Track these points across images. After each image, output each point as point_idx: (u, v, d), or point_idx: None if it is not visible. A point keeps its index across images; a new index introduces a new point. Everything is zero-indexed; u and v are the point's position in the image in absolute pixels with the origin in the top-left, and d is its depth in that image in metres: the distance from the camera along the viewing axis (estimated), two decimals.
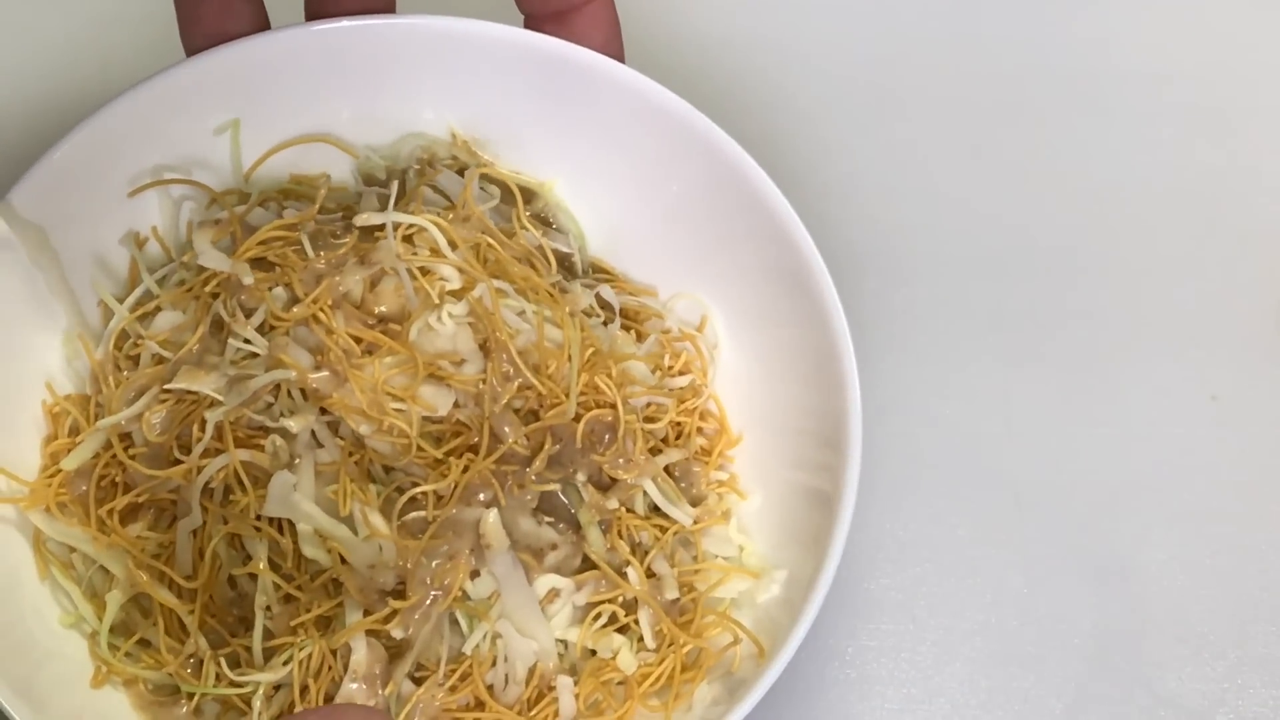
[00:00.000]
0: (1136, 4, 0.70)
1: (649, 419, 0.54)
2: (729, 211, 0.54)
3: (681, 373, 0.55)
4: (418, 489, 0.49)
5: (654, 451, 0.53)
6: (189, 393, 0.51)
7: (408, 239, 0.53)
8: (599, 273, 0.57)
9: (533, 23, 0.53)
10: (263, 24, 0.53)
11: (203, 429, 0.50)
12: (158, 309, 0.53)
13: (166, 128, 0.53)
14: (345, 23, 0.53)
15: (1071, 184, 0.65)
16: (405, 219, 0.53)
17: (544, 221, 0.57)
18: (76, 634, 0.51)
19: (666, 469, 0.53)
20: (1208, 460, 0.59)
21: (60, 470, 0.51)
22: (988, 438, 0.60)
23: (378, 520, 0.49)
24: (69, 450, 0.52)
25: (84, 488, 0.51)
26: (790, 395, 0.53)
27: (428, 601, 0.48)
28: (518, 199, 0.56)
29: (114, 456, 0.51)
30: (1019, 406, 0.60)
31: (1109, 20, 0.69)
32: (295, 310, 0.51)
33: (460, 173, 0.56)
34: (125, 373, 0.53)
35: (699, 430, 0.55)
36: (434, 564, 0.49)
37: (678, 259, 0.56)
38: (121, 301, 0.54)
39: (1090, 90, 0.68)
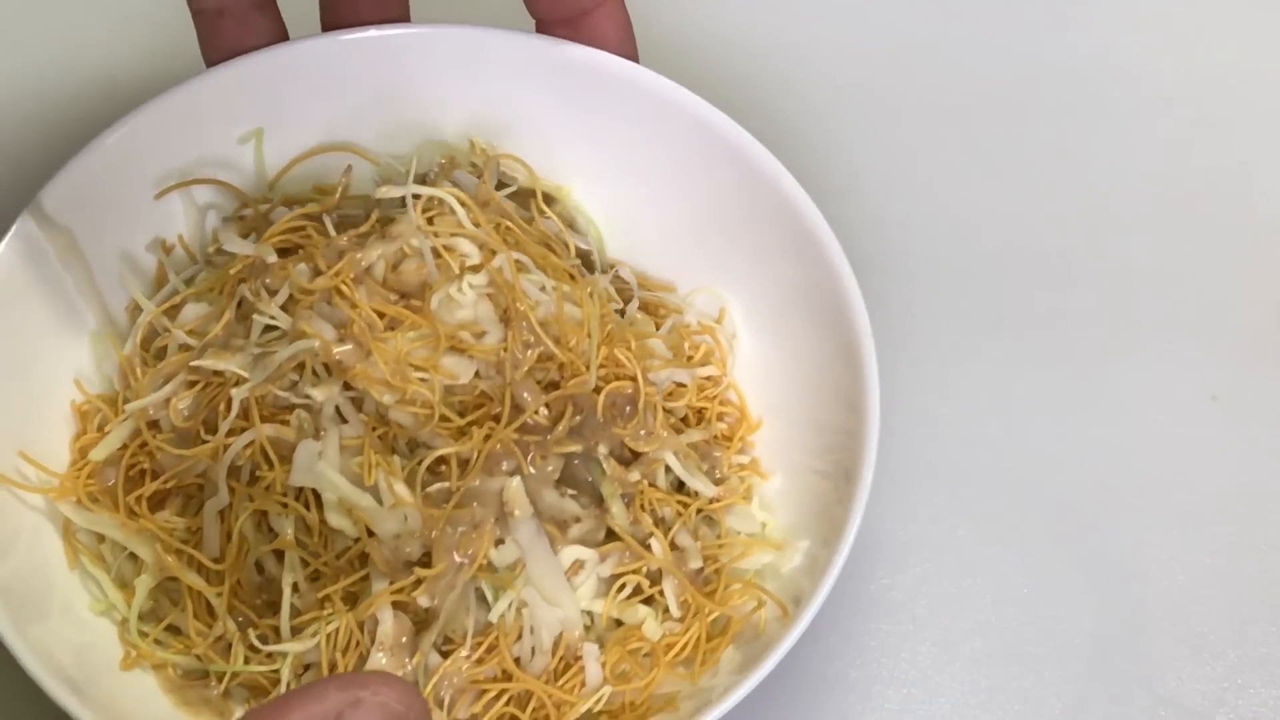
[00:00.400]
0: (1140, 5, 0.70)
1: (669, 397, 0.54)
2: (747, 207, 0.55)
3: (701, 363, 0.56)
4: (441, 450, 0.50)
5: (675, 431, 0.54)
6: (215, 376, 0.51)
7: (429, 222, 0.54)
8: (618, 282, 0.58)
9: (544, 27, 0.53)
10: (281, 37, 0.53)
11: (229, 408, 0.50)
12: (184, 301, 0.54)
13: (191, 136, 0.55)
14: (365, 33, 0.54)
15: (1072, 184, 0.66)
16: (425, 191, 0.53)
17: (563, 222, 0.58)
18: (107, 621, 0.51)
19: (689, 447, 0.54)
20: (1208, 460, 0.60)
21: (89, 462, 0.52)
22: (988, 438, 0.60)
23: (402, 489, 0.49)
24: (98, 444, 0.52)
25: (112, 479, 0.52)
26: (809, 379, 0.54)
27: (453, 570, 0.49)
28: (537, 191, 0.57)
29: (142, 446, 0.52)
30: (1019, 406, 0.60)
31: (1110, 21, 0.70)
32: (319, 281, 0.51)
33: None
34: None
35: (720, 417, 0.56)
36: (459, 531, 0.49)
37: (696, 257, 0.57)
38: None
39: (1090, 90, 0.68)
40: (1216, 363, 0.61)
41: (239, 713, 0.50)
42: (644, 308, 0.57)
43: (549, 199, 0.57)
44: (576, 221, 0.58)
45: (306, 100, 0.55)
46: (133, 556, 0.52)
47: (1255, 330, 0.62)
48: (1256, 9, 0.70)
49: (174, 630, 0.51)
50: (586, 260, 0.57)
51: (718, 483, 0.54)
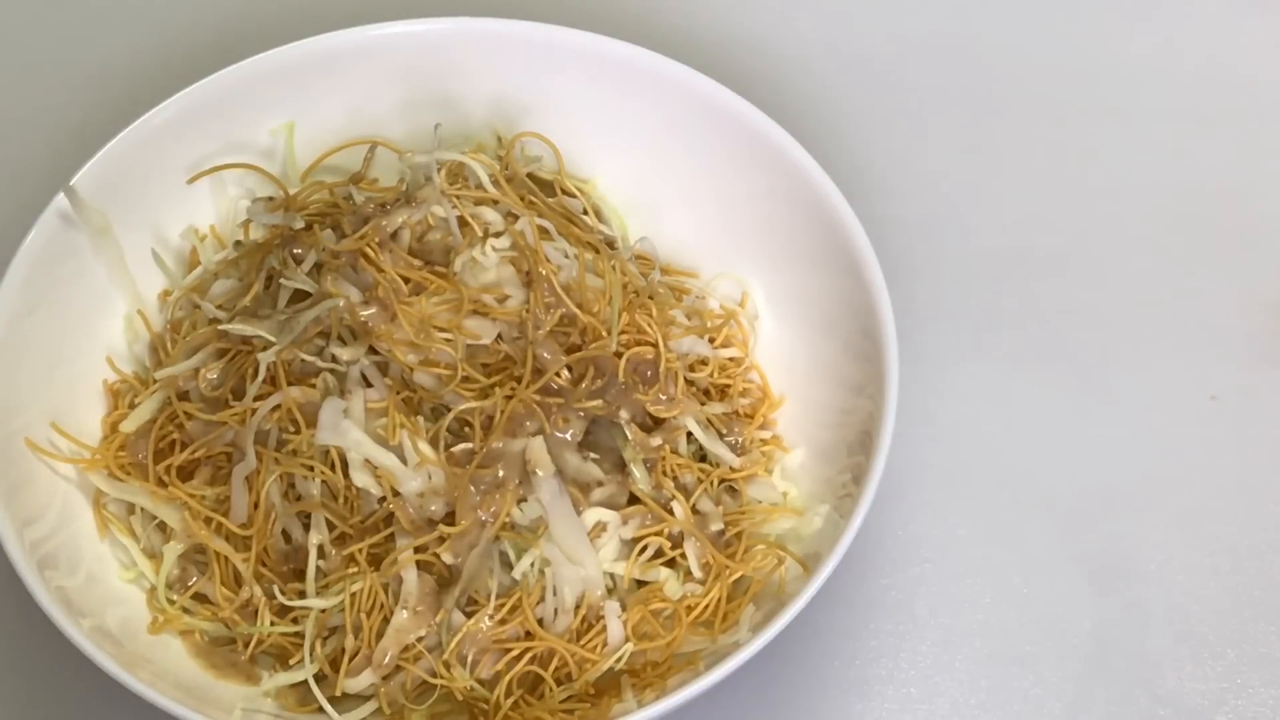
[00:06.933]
0: (1140, 5, 0.70)
1: (692, 370, 0.56)
2: (772, 195, 0.57)
3: (724, 345, 0.58)
4: (464, 405, 0.51)
5: (698, 403, 0.56)
6: (244, 345, 0.53)
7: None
8: (640, 258, 0.59)
9: None
10: None
11: (256, 374, 0.52)
12: (215, 276, 0.56)
13: (222, 126, 0.57)
14: (394, 27, 0.57)
15: (1071, 184, 0.67)
16: (450, 156, 0.55)
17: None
18: (135, 589, 0.53)
19: (710, 418, 0.56)
20: (1207, 460, 0.60)
21: (120, 434, 0.54)
22: (987, 437, 0.61)
23: (426, 448, 0.51)
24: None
25: (143, 451, 0.53)
26: (830, 358, 0.55)
27: (477, 527, 0.50)
28: (560, 161, 0.58)
29: (171, 418, 0.54)
30: (1018, 406, 0.61)
31: (1111, 21, 0.70)
32: (345, 243, 0.53)
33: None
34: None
35: (743, 393, 0.57)
36: (482, 490, 0.51)
37: (720, 244, 0.59)
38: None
39: (1090, 91, 0.69)
40: (1216, 362, 0.62)
41: (265, 676, 0.52)
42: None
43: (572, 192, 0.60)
44: (601, 211, 0.60)
45: (337, 93, 0.58)
46: (161, 527, 0.54)
47: (1254, 330, 0.63)
48: (1257, 10, 0.70)
49: (201, 598, 0.53)
50: (610, 246, 0.59)
51: (739, 454, 0.56)
